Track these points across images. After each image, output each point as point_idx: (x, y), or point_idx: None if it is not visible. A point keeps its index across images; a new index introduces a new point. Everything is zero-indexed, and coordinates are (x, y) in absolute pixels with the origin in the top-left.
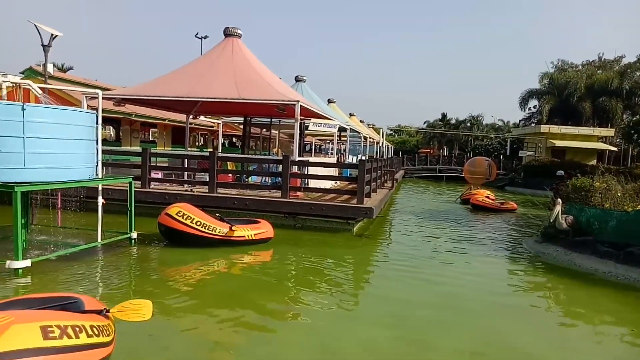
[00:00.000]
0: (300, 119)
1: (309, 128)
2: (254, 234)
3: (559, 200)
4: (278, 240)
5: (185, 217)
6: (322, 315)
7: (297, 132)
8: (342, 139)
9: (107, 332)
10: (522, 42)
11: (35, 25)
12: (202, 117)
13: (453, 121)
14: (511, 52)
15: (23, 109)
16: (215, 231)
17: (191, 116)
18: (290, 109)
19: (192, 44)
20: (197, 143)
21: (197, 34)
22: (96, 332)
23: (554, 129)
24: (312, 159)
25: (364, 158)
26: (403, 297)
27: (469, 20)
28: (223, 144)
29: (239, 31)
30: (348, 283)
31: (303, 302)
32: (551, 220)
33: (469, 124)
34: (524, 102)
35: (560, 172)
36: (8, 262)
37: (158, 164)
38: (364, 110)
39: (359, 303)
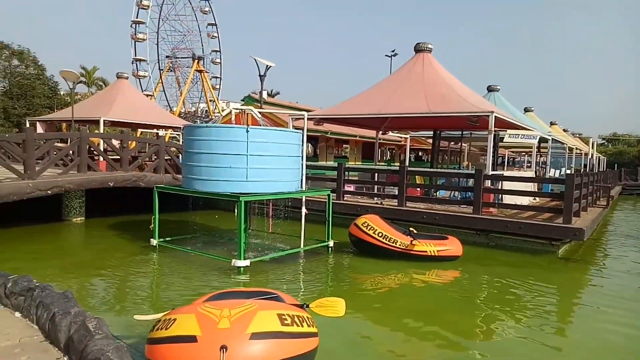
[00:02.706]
0: (495, 131)
1: (504, 140)
2: (437, 250)
3: None
4: (469, 257)
5: (369, 227)
6: (521, 345)
7: (490, 144)
8: (542, 150)
9: (315, 325)
10: None
11: (254, 60)
12: (390, 133)
13: None
14: None
15: (247, 131)
16: (395, 243)
17: (380, 132)
18: (483, 121)
19: (383, 62)
20: (384, 157)
21: (392, 51)
22: (310, 323)
23: None
24: (506, 173)
25: (568, 171)
26: (621, 342)
27: None
28: (409, 158)
29: (430, 46)
30: (551, 313)
31: (497, 327)
32: None
33: None
34: None
35: None
36: (233, 260)
37: (350, 178)
38: (568, 118)
39: (566, 339)
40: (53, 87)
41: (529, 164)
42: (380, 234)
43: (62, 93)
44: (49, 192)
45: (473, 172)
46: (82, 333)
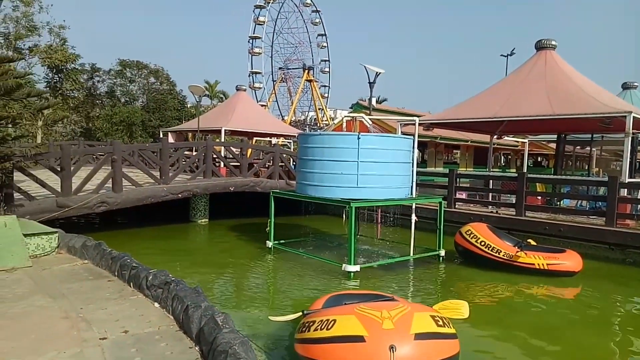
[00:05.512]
0: (633, 133)
1: None
2: (547, 264)
3: None
4: (599, 274)
5: (471, 236)
6: None
7: (627, 148)
8: None
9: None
10: None
11: (364, 67)
12: (505, 137)
13: None
14: None
15: (358, 138)
16: (498, 253)
17: (495, 136)
18: (618, 122)
19: (497, 64)
20: (499, 163)
21: (512, 50)
22: (452, 325)
23: None
24: None
25: None
26: None
27: None
28: (528, 164)
29: (553, 42)
30: None
31: (636, 354)
32: None
33: None
34: None
35: None
36: (344, 265)
37: (461, 185)
38: None
39: None
40: (182, 101)
41: None
42: (482, 243)
43: (188, 106)
44: (180, 195)
45: (605, 179)
46: (212, 326)
